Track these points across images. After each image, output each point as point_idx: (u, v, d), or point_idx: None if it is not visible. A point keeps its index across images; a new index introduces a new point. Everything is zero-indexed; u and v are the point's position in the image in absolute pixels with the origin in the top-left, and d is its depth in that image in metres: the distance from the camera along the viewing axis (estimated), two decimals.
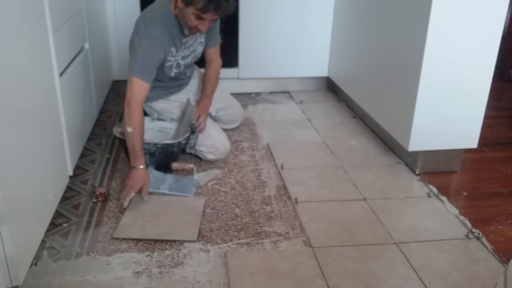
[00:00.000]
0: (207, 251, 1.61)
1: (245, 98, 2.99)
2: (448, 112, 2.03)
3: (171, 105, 2.26)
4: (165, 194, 1.92)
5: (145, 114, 1.99)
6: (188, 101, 2.22)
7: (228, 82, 2.88)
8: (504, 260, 1.59)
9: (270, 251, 1.62)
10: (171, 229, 1.71)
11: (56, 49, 1.69)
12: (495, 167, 2.25)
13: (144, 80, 1.89)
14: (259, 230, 1.73)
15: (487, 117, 2.10)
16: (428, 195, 1.98)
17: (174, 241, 1.65)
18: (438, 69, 1.95)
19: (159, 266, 1.53)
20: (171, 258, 1.57)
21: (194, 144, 2.17)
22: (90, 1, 2.33)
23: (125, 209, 1.80)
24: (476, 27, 1.90)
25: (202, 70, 2.41)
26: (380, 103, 2.38)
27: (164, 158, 2.05)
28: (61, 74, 1.77)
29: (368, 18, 2.51)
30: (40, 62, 1.57)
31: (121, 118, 2.67)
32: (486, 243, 1.68)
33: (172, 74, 2.14)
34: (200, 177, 2.07)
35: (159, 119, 2.25)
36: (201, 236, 1.69)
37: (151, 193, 1.88)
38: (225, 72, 2.65)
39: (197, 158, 2.22)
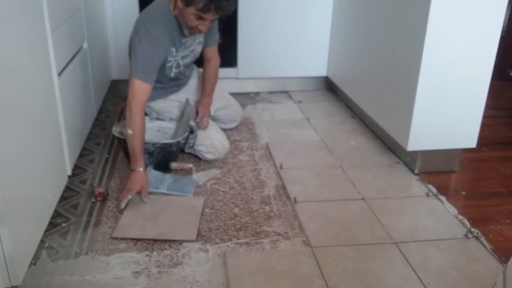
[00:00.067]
0: (206, 250, 1.61)
1: (244, 98, 2.99)
2: (447, 111, 2.03)
3: (170, 104, 2.26)
4: (164, 194, 1.92)
5: (144, 113, 1.98)
6: (187, 100, 2.22)
7: (227, 81, 2.88)
8: (503, 260, 1.60)
9: (269, 250, 1.62)
10: (170, 228, 1.71)
11: (55, 48, 1.69)
12: (494, 166, 2.25)
13: (145, 82, 1.89)
14: (258, 230, 1.73)
15: (486, 116, 2.10)
16: (427, 195, 1.98)
17: (173, 241, 1.65)
18: (437, 68, 1.95)
19: (158, 266, 1.53)
20: (170, 258, 1.57)
21: (193, 144, 2.17)
22: (89, 0, 2.33)
23: (123, 209, 1.80)
24: (475, 27, 1.90)
25: (201, 70, 2.42)
26: (379, 102, 2.38)
27: (163, 158, 2.05)
28: (59, 74, 1.76)
29: (367, 18, 2.51)
30: (39, 62, 1.57)
31: (119, 118, 2.67)
32: (485, 242, 1.68)
33: (172, 75, 2.14)
34: (199, 176, 2.07)
35: (158, 119, 2.25)
36: (200, 236, 1.69)
37: (150, 193, 1.88)
38: (224, 71, 2.65)
39: (196, 158, 2.22)
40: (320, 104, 2.98)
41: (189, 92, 2.34)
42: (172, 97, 2.28)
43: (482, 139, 2.20)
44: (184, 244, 1.64)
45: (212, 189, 1.99)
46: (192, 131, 2.14)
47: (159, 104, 2.25)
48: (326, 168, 2.19)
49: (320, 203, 1.91)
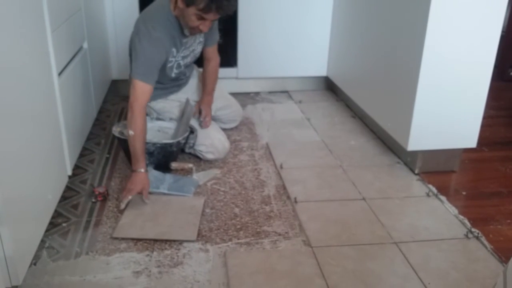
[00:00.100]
0: (207, 250, 1.61)
1: (244, 98, 2.99)
2: (447, 111, 2.03)
3: (170, 104, 2.26)
4: (164, 194, 1.92)
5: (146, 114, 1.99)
6: (187, 100, 2.22)
7: (227, 81, 2.88)
8: (503, 260, 1.60)
9: (270, 250, 1.62)
10: (170, 228, 1.71)
11: (55, 48, 1.69)
12: (494, 166, 2.25)
13: (146, 83, 1.88)
14: (258, 230, 1.73)
15: (486, 116, 2.10)
16: (427, 195, 1.98)
17: (174, 240, 1.65)
18: (437, 68, 1.95)
19: (159, 266, 1.53)
20: (170, 258, 1.57)
21: (193, 144, 2.17)
22: (89, 0, 2.33)
23: (124, 209, 1.80)
24: (475, 27, 1.90)
25: (201, 70, 2.42)
26: (379, 102, 2.38)
27: (163, 158, 2.05)
28: (60, 74, 1.76)
29: (367, 18, 2.51)
30: (39, 62, 1.57)
31: (120, 117, 2.67)
32: (486, 242, 1.68)
33: (173, 75, 2.14)
34: (199, 176, 2.07)
35: (158, 119, 2.25)
36: (201, 236, 1.69)
37: (150, 193, 1.88)
38: (224, 71, 2.65)
39: (196, 158, 2.22)
40: (320, 104, 2.98)
41: (189, 92, 2.34)
42: (173, 97, 2.28)
43: (483, 139, 2.20)
44: (185, 244, 1.64)
45: (212, 189, 1.99)
46: (192, 131, 2.14)
47: (159, 104, 2.25)
48: (326, 168, 2.19)
49: (320, 203, 1.91)
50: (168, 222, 1.74)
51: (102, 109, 2.70)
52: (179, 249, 1.61)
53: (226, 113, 2.47)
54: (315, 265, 1.55)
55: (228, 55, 2.92)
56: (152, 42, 1.90)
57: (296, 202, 1.90)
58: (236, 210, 1.85)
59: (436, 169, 2.16)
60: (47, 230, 1.65)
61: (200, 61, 2.31)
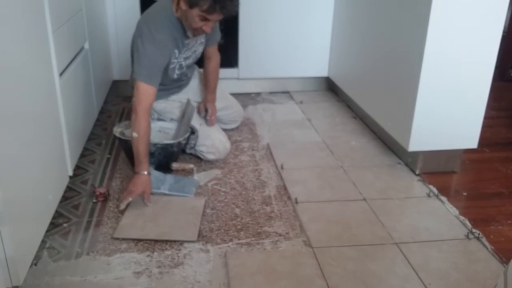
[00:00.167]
0: (207, 251, 1.61)
1: (245, 98, 2.99)
2: (448, 112, 2.03)
3: (171, 105, 2.26)
4: (165, 194, 1.92)
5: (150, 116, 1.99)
6: (188, 101, 2.22)
7: (228, 82, 2.88)
8: (504, 261, 1.59)
9: (270, 251, 1.62)
10: (171, 229, 1.71)
11: (56, 49, 1.69)
12: (495, 167, 2.25)
13: (150, 85, 1.88)
14: (259, 230, 1.73)
15: (487, 117, 2.10)
16: (428, 195, 1.98)
17: (174, 241, 1.65)
18: (438, 69, 1.95)
19: (159, 266, 1.53)
20: (171, 258, 1.57)
21: (194, 144, 2.17)
22: (90, 1, 2.33)
23: (124, 210, 1.80)
24: (476, 27, 1.90)
25: (201, 70, 2.42)
26: (380, 103, 2.38)
27: (164, 158, 2.05)
28: (61, 74, 1.76)
29: (368, 18, 2.51)
30: (40, 62, 1.57)
31: (121, 118, 2.68)
32: (486, 243, 1.68)
33: (175, 76, 2.14)
34: (200, 177, 2.07)
35: (159, 119, 2.25)
36: (201, 236, 1.69)
37: (151, 194, 1.88)
38: (225, 72, 2.65)
39: (197, 158, 2.22)
40: (321, 105, 2.98)
41: (190, 92, 2.34)
42: (174, 97, 2.28)
43: (483, 139, 2.20)
44: (185, 244, 1.64)
45: (213, 190, 1.99)
46: (193, 132, 2.15)
47: (160, 105, 2.25)
48: (327, 169, 2.19)
49: (321, 203, 1.91)
50: (168, 223, 1.74)
51: (103, 110, 2.70)
52: (179, 250, 1.62)
53: (227, 113, 2.47)
54: (315, 265, 1.55)
55: (229, 55, 2.92)
56: (155, 44, 1.90)
57: (296, 202, 1.90)
58: (237, 210, 1.85)
59: (437, 169, 2.16)
60: (48, 231, 1.65)
61: (200, 61, 2.31)
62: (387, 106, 2.28)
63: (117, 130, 2.11)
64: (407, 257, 1.60)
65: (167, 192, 1.92)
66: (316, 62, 3.10)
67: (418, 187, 2.05)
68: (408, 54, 2.04)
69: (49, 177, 1.63)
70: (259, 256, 1.59)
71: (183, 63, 2.12)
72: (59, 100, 1.74)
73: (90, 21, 2.28)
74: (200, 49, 2.20)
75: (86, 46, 2.20)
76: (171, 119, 2.26)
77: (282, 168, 2.17)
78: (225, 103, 2.46)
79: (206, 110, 2.29)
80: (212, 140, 2.17)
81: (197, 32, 1.95)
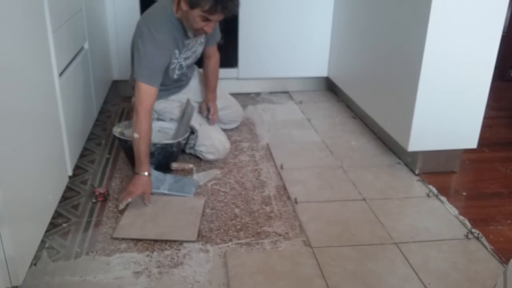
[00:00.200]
0: (207, 251, 1.61)
1: (244, 98, 2.99)
2: (447, 112, 2.03)
3: (171, 105, 2.26)
4: (164, 194, 1.92)
5: (151, 117, 1.99)
6: (188, 101, 2.22)
7: (228, 82, 2.88)
8: (503, 260, 1.60)
9: (270, 251, 1.62)
10: (170, 229, 1.71)
11: (56, 49, 1.69)
12: (495, 167, 2.25)
13: (151, 85, 1.88)
14: (258, 230, 1.73)
15: (486, 117, 2.10)
16: (428, 195, 1.98)
17: (174, 241, 1.65)
18: (438, 69, 1.95)
19: (159, 266, 1.53)
20: (170, 258, 1.57)
21: (194, 144, 2.17)
22: (90, 1, 2.33)
23: (123, 210, 1.80)
24: (476, 27, 1.90)
25: (201, 70, 2.42)
26: (379, 103, 2.38)
27: (164, 158, 2.05)
28: (60, 74, 1.76)
29: (367, 18, 2.51)
30: (40, 62, 1.57)
31: (120, 118, 2.68)
32: (486, 243, 1.68)
33: (175, 76, 2.14)
34: (200, 177, 2.07)
35: (158, 119, 2.25)
36: (201, 236, 1.69)
37: (151, 194, 1.88)
38: (225, 72, 2.65)
39: (197, 158, 2.22)
40: (321, 105, 2.98)
41: (189, 92, 2.34)
42: (173, 97, 2.28)
43: (483, 139, 2.20)
44: (185, 244, 1.64)
45: (212, 190, 1.99)
46: (192, 132, 2.15)
47: (160, 105, 2.25)
48: (326, 169, 2.19)
49: (321, 203, 1.91)
50: (168, 223, 1.74)
51: (102, 110, 2.70)
52: (179, 250, 1.62)
53: (227, 113, 2.47)
54: (315, 265, 1.55)
55: (229, 55, 2.92)
56: (155, 44, 1.90)
57: (296, 202, 1.90)
58: (237, 210, 1.85)
59: (437, 169, 2.16)
60: (47, 231, 1.65)
61: (199, 61, 2.31)
62: (386, 106, 2.28)
63: (116, 130, 2.11)
64: (406, 257, 1.60)
65: (166, 192, 1.92)
66: (315, 62, 3.10)
67: (418, 187, 2.05)
68: (408, 54, 2.04)
69: (49, 177, 1.63)
70: (259, 256, 1.59)
71: (183, 63, 2.12)
72: (59, 100, 1.74)
73: (90, 21, 2.28)
74: (200, 49, 2.20)
75: (86, 46, 2.21)
76: (171, 119, 2.26)
77: (281, 168, 2.17)
78: (224, 103, 2.46)
79: (208, 109, 2.30)
80: (211, 140, 2.17)
81: (198, 32, 1.95)
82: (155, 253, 1.59)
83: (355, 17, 2.67)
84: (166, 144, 2.03)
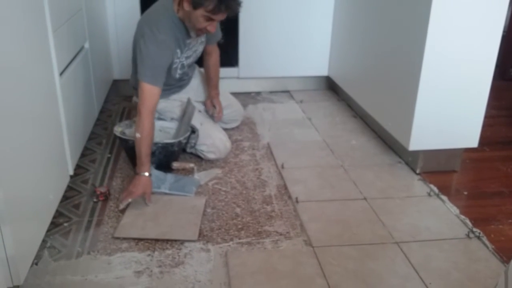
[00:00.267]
0: (208, 250, 1.61)
1: (245, 98, 2.99)
2: (448, 111, 2.03)
3: (172, 104, 2.26)
4: (165, 194, 1.92)
5: (154, 117, 2.00)
6: (189, 100, 2.22)
7: (228, 81, 2.88)
8: (504, 260, 1.60)
9: (271, 250, 1.62)
10: (171, 228, 1.71)
11: (56, 48, 1.69)
12: (496, 166, 2.25)
13: (154, 85, 1.88)
14: (259, 230, 1.73)
15: (487, 116, 2.10)
16: (429, 195, 1.98)
17: (175, 240, 1.65)
18: (439, 68, 1.95)
19: (160, 266, 1.53)
20: (171, 258, 1.57)
21: (195, 144, 2.17)
22: (90, 0, 2.33)
23: (124, 209, 1.80)
24: (476, 26, 1.90)
25: (202, 69, 2.42)
26: (380, 102, 2.38)
27: (165, 158, 2.05)
28: (61, 74, 1.76)
29: (368, 17, 2.51)
30: (40, 62, 1.57)
31: (121, 117, 2.68)
32: (487, 242, 1.68)
33: (177, 76, 2.15)
34: (201, 176, 2.07)
35: (159, 119, 2.25)
36: (202, 236, 1.69)
37: (152, 193, 1.88)
38: (225, 71, 2.65)
39: (198, 158, 2.22)
40: (322, 104, 2.98)
41: (190, 92, 2.34)
42: (174, 96, 2.28)
43: (484, 138, 2.20)
44: (186, 244, 1.64)
45: (213, 189, 1.99)
46: (193, 131, 2.15)
47: (161, 104, 2.24)
48: (327, 168, 2.19)
49: (322, 202, 1.91)
50: (169, 222, 1.74)
51: (103, 109, 2.70)
52: (180, 249, 1.62)
53: (228, 112, 2.47)
54: (316, 265, 1.55)
55: (229, 55, 2.92)
56: (158, 44, 1.90)
57: (297, 202, 1.90)
58: (237, 210, 1.85)
59: (437, 168, 2.16)
60: (48, 230, 1.65)
61: (199, 60, 2.31)
62: (387, 105, 2.28)
63: (117, 130, 2.11)
64: (407, 256, 1.60)
65: (167, 191, 1.92)
66: (316, 61, 3.09)
67: (419, 186, 2.05)
68: (409, 53, 2.04)
69: (50, 177, 1.63)
70: (260, 256, 1.59)
71: (185, 63, 2.12)
72: (60, 100, 1.74)
73: (90, 21, 2.28)
74: (200, 49, 2.20)
75: (86, 45, 2.20)
76: (172, 119, 2.26)
77: (282, 167, 2.17)
78: (225, 102, 2.46)
79: (214, 106, 2.34)
80: (212, 139, 2.17)
81: (201, 32, 1.95)
82: (156, 253, 1.59)
83: (356, 16, 2.67)
84: (167, 144, 2.03)
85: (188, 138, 2.13)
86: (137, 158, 1.85)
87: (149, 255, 1.58)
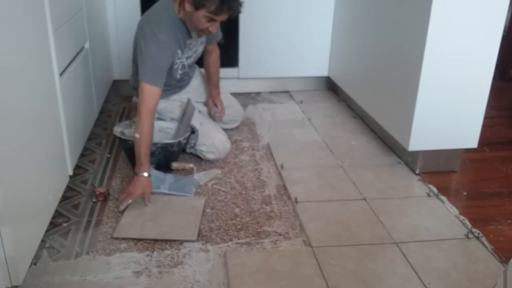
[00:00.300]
0: (207, 250, 1.61)
1: (245, 98, 2.99)
2: (448, 111, 2.03)
3: (172, 104, 2.27)
4: (165, 194, 1.92)
5: (153, 118, 2.00)
6: (188, 100, 2.22)
7: (228, 81, 2.88)
8: (503, 260, 1.59)
9: (270, 250, 1.62)
10: (170, 228, 1.71)
11: (56, 48, 1.69)
12: (495, 166, 2.25)
13: (155, 86, 1.88)
14: (259, 230, 1.73)
15: (487, 116, 2.10)
16: (428, 195, 1.98)
17: (174, 240, 1.65)
18: (438, 68, 1.95)
19: (159, 266, 1.53)
20: (170, 258, 1.57)
21: (194, 144, 2.17)
22: (90, 0, 2.33)
23: (124, 209, 1.80)
24: (477, 27, 1.90)
25: (202, 70, 2.42)
26: (380, 102, 2.38)
27: (164, 158, 2.05)
28: (61, 74, 1.77)
29: (368, 18, 2.51)
30: (40, 62, 1.57)
31: (121, 118, 2.68)
32: (486, 243, 1.68)
33: (178, 76, 2.15)
34: (200, 176, 2.07)
35: (159, 119, 2.25)
36: (201, 236, 1.69)
37: (151, 193, 1.88)
38: (225, 71, 2.65)
39: (197, 158, 2.22)
40: (321, 104, 2.98)
41: (190, 92, 2.34)
42: (174, 97, 2.28)
43: (483, 139, 2.20)
44: (185, 244, 1.64)
45: (213, 189, 1.99)
46: (193, 131, 2.15)
47: (160, 104, 2.24)
48: (327, 168, 2.19)
49: (321, 203, 1.91)
50: (168, 222, 1.74)
51: (103, 109, 2.70)
52: (179, 249, 1.62)
53: (227, 113, 2.47)
54: (315, 265, 1.55)
55: (229, 55, 2.92)
56: (158, 45, 1.90)
57: (296, 202, 1.90)
58: (237, 210, 1.85)
59: (437, 169, 2.16)
60: (47, 230, 1.65)
61: (199, 60, 2.31)
62: (387, 105, 2.28)
63: (117, 130, 2.11)
64: (406, 257, 1.60)
65: (167, 191, 1.92)
66: (316, 61, 3.09)
67: (418, 187, 2.05)
68: (409, 54, 2.04)
69: (49, 177, 1.63)
70: (259, 256, 1.59)
71: (185, 63, 2.13)
72: (59, 100, 1.74)
73: (91, 21, 2.28)
74: (201, 49, 2.20)
75: (87, 45, 2.21)
76: (172, 119, 2.26)
77: (282, 167, 2.17)
78: (225, 102, 2.46)
79: (216, 106, 2.36)
80: (212, 140, 2.18)
81: (202, 32, 1.96)
82: (155, 253, 1.59)
83: (356, 16, 2.67)
84: (166, 144, 2.03)
85: (188, 138, 2.13)
86: (136, 158, 1.85)
87: (148, 255, 1.58)
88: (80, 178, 2.04)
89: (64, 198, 1.86)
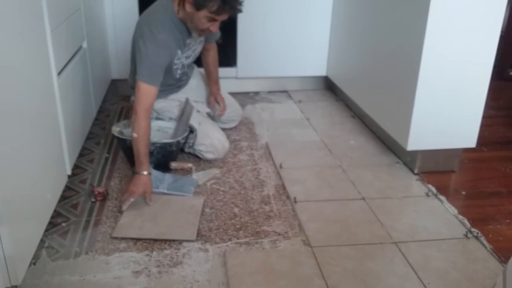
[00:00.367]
0: (206, 250, 1.61)
1: (243, 98, 2.99)
2: (446, 111, 2.03)
3: (170, 104, 2.26)
4: (163, 194, 1.92)
5: (150, 117, 2.00)
6: (187, 100, 2.22)
7: (227, 81, 2.87)
8: (503, 260, 1.60)
9: (269, 250, 1.62)
10: (170, 228, 1.71)
11: (54, 48, 1.69)
12: (494, 166, 2.25)
13: (151, 85, 1.88)
14: (258, 230, 1.73)
15: (485, 116, 2.10)
16: (427, 195, 1.98)
17: (173, 240, 1.65)
18: (437, 68, 1.95)
19: (158, 266, 1.53)
20: (170, 258, 1.57)
21: (193, 144, 2.17)
22: (88, 0, 2.33)
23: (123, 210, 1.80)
24: (475, 27, 1.91)
25: (201, 69, 2.42)
26: (378, 102, 2.38)
27: (163, 158, 2.05)
28: (59, 73, 1.76)
29: (366, 17, 2.51)
30: (38, 61, 1.57)
31: (119, 117, 2.67)
32: (485, 242, 1.68)
33: (177, 76, 2.15)
34: (199, 176, 2.07)
35: (157, 119, 2.25)
36: (200, 236, 1.69)
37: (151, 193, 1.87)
38: (224, 71, 2.65)
39: (196, 158, 2.22)
40: (320, 104, 2.98)
41: (188, 91, 2.34)
42: (172, 96, 2.28)
43: (482, 138, 2.20)
44: (184, 244, 1.64)
45: (212, 189, 1.98)
46: (191, 131, 2.14)
47: (159, 104, 2.25)
48: (325, 168, 2.19)
49: (320, 202, 1.91)
50: (167, 222, 1.74)
51: (101, 109, 2.70)
52: (178, 249, 1.61)
53: (226, 112, 2.47)
54: (314, 265, 1.55)
55: (228, 54, 2.92)
56: (157, 44, 1.90)
57: (295, 202, 1.90)
58: (236, 210, 1.85)
59: (436, 169, 2.16)
60: (46, 230, 1.64)
61: (197, 59, 2.31)
62: (385, 105, 2.28)
63: (115, 129, 2.10)
64: (406, 256, 1.60)
65: (165, 191, 1.92)
66: (314, 61, 3.10)
67: (417, 187, 2.05)
68: (407, 54, 2.04)
69: (48, 177, 1.63)
70: (258, 256, 1.59)
71: (185, 63, 2.13)
72: (57, 99, 1.73)
73: (88, 20, 2.28)
74: (199, 48, 2.20)
75: (84, 45, 2.20)
76: (170, 118, 2.26)
77: (281, 167, 2.17)
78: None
79: (217, 103, 2.37)
80: (210, 139, 2.17)
81: (203, 32, 1.96)
82: (154, 253, 1.59)
83: (354, 16, 2.67)
84: (165, 143, 2.03)
85: (187, 138, 2.12)
86: (135, 157, 1.85)
87: (147, 255, 1.58)
88: (78, 177, 2.03)
89: (63, 198, 1.85)
